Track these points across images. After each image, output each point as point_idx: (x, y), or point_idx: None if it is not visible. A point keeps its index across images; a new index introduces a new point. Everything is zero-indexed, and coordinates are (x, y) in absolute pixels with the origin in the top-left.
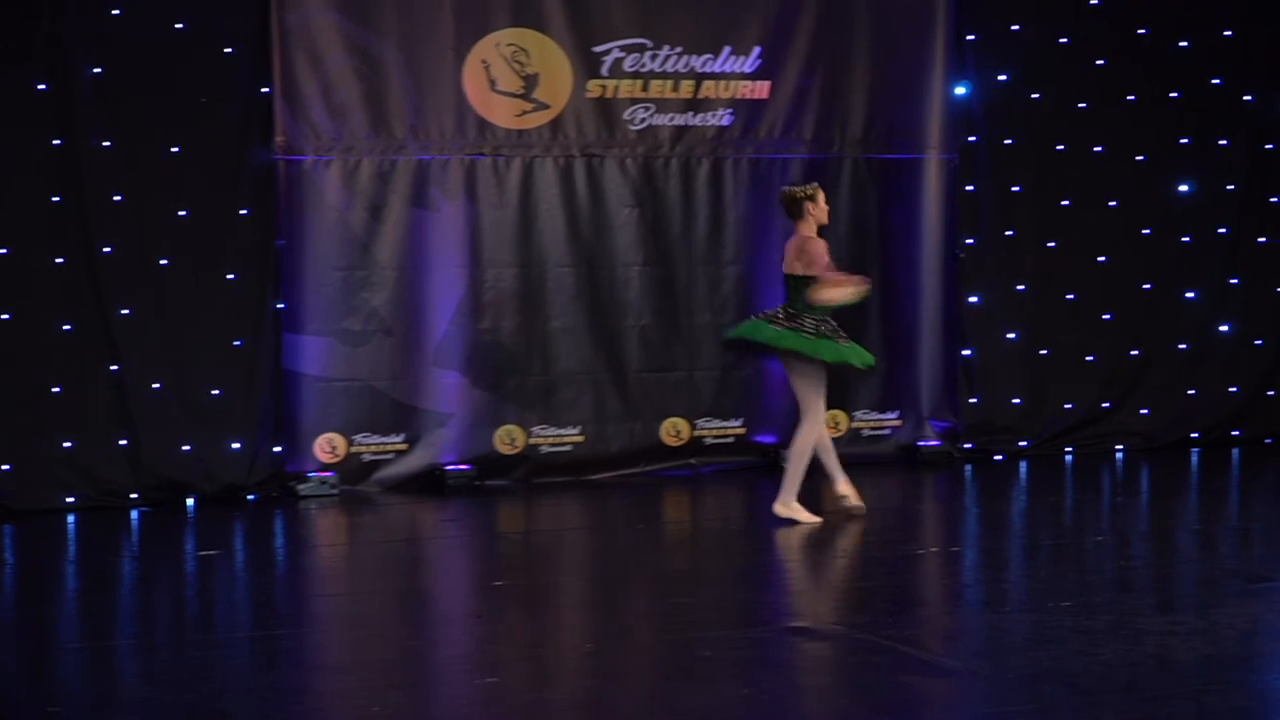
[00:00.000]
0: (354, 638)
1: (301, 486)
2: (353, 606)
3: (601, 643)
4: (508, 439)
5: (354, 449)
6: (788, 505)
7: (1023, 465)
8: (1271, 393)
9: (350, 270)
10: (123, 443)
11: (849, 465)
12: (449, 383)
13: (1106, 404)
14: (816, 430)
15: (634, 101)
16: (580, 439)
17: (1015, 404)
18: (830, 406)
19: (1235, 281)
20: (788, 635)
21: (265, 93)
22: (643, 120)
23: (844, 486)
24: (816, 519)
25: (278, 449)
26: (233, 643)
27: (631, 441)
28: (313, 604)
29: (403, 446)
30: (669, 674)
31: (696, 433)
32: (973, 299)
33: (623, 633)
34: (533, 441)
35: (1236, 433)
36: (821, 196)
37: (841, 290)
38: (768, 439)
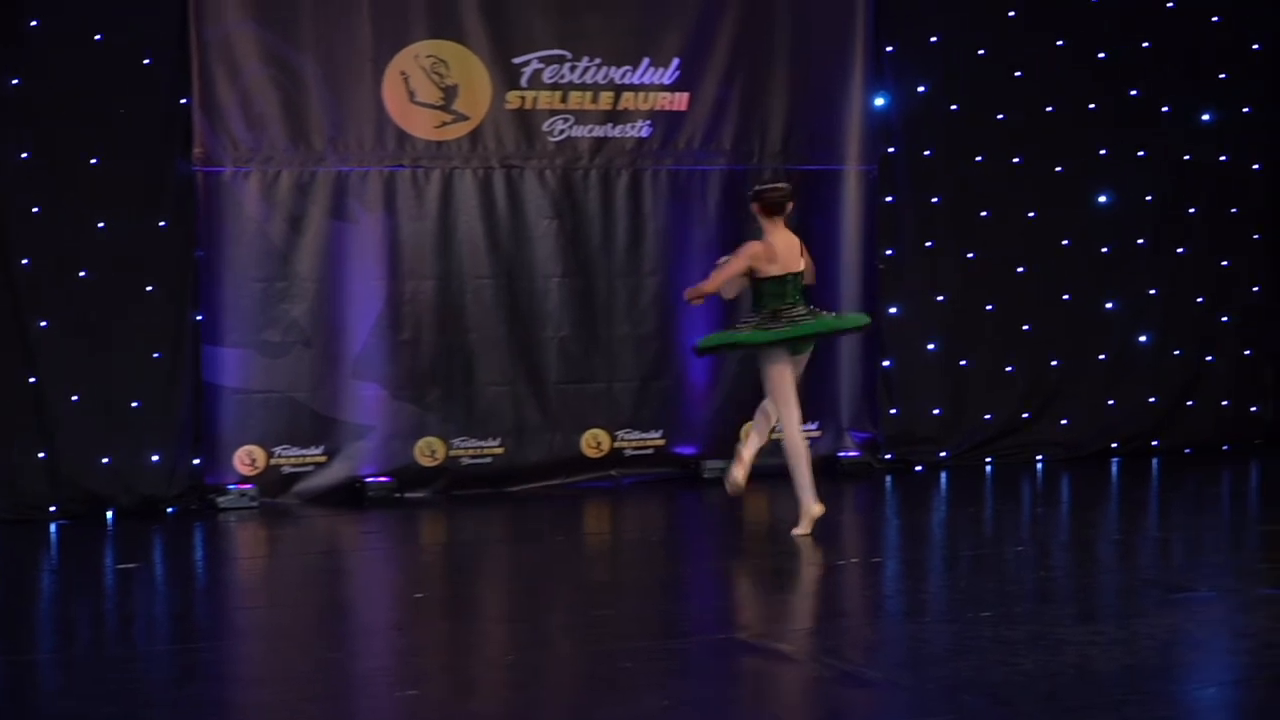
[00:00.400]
0: (274, 650)
1: (221, 499)
2: (273, 619)
3: (522, 654)
4: (428, 451)
5: (273, 461)
6: (810, 509)
7: (943, 476)
8: (1191, 403)
9: (269, 282)
10: (41, 455)
11: (770, 476)
12: (368, 395)
13: (1026, 414)
14: (794, 425)
15: (553, 113)
16: (500, 451)
17: (935, 414)
18: (751, 417)
19: (1154, 292)
20: (708, 646)
21: (184, 104)
22: (562, 131)
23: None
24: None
25: (197, 461)
26: (152, 656)
27: (551, 453)
28: (233, 617)
29: (322, 459)
30: (590, 685)
31: (616, 444)
32: (892, 310)
33: (543, 644)
34: (453, 453)
35: (1156, 443)
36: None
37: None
38: (687, 450)
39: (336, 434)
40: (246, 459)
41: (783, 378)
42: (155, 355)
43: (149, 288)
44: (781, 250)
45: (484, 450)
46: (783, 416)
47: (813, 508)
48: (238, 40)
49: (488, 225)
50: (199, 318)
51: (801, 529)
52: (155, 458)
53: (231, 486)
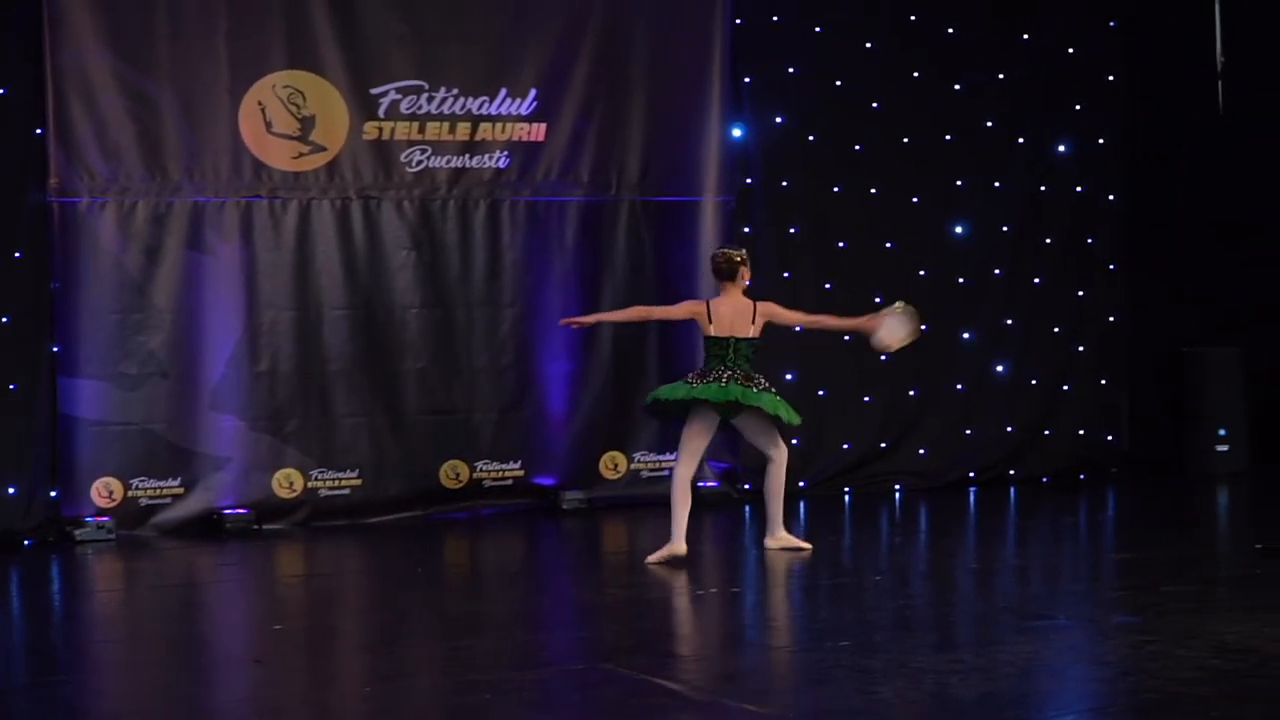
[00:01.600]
0: (132, 683)
1: (78, 531)
2: (131, 652)
3: (382, 685)
4: (286, 482)
5: (131, 493)
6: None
7: (802, 505)
8: (1047, 432)
9: (126, 313)
10: None
11: (631, 507)
12: (226, 426)
13: (884, 444)
14: (681, 472)
15: (411, 143)
16: (358, 482)
17: (794, 444)
18: (610, 448)
19: (1011, 322)
20: (567, 677)
21: (39, 134)
22: (419, 162)
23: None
24: (806, 545)
25: (54, 494)
26: (9, 691)
27: (410, 484)
28: (90, 650)
29: (180, 490)
30: (449, 716)
31: (475, 475)
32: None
33: (403, 676)
34: (311, 485)
35: (1013, 472)
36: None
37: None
38: (547, 481)
39: (194, 466)
40: (104, 491)
41: (689, 429)
42: (11, 387)
43: (4, 319)
44: (725, 314)
45: (342, 482)
46: (678, 460)
47: (678, 546)
48: (93, 70)
49: (345, 256)
50: (55, 349)
51: (656, 556)
52: (11, 490)
53: (89, 519)
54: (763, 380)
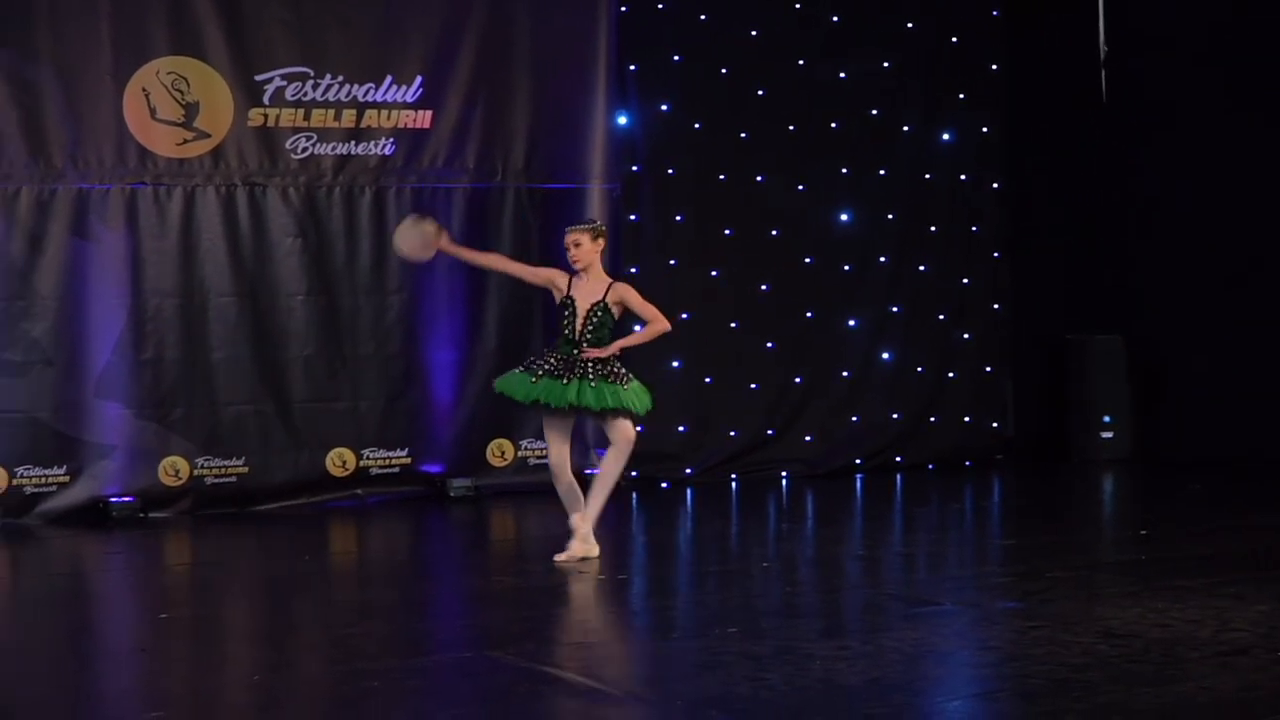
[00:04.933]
0: (16, 674)
1: None
2: (15, 640)
3: (268, 674)
4: (172, 470)
5: (16, 481)
6: (579, 536)
7: (689, 492)
8: (933, 419)
9: (10, 300)
10: None
11: (519, 494)
12: (111, 414)
13: (770, 431)
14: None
15: (296, 130)
16: (245, 470)
17: (680, 431)
18: (497, 435)
19: (896, 310)
20: (454, 665)
21: None
22: (305, 149)
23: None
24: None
25: None
26: None
27: (297, 472)
28: None
29: (65, 479)
30: (336, 705)
31: (362, 463)
32: (637, 327)
33: (289, 664)
34: (197, 473)
35: (899, 459)
36: (569, 238)
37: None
38: (434, 468)
39: (80, 453)
40: None
41: (546, 419)
42: None
43: None
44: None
45: (228, 470)
46: (548, 449)
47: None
48: None
49: (231, 243)
50: None
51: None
52: None
53: None
54: (617, 366)
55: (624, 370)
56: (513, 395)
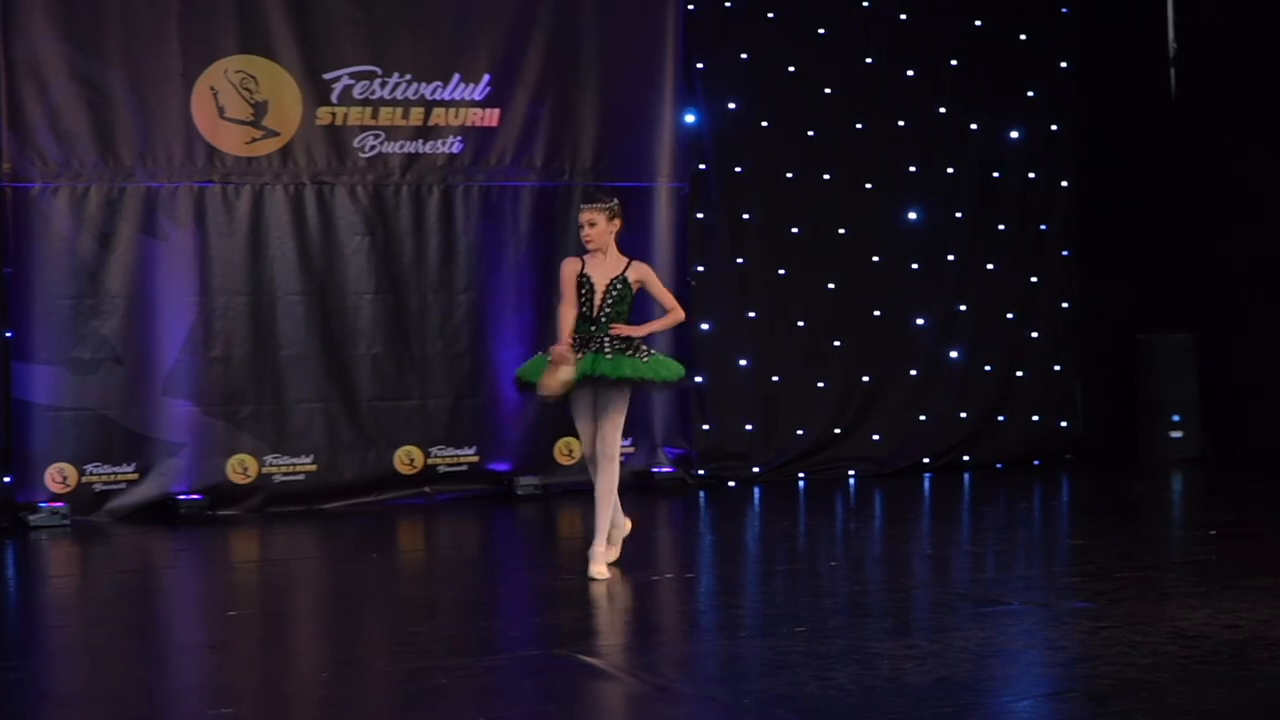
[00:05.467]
0: (87, 669)
1: (32, 517)
2: (85, 638)
3: (337, 672)
4: (240, 468)
5: (85, 479)
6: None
7: (756, 491)
8: (1001, 418)
9: (79, 299)
10: None
11: (586, 492)
12: (180, 411)
13: (838, 430)
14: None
15: (364, 129)
16: (313, 468)
17: (748, 430)
18: (565, 434)
19: (964, 308)
20: (523, 663)
21: None
22: (373, 148)
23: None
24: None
25: (8, 479)
26: None
27: (365, 470)
28: (45, 636)
29: (134, 476)
30: (405, 702)
31: (430, 461)
32: (704, 326)
33: (358, 661)
34: (265, 471)
35: (967, 458)
36: (583, 216)
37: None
38: (501, 467)
39: (148, 451)
40: (58, 477)
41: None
42: None
43: None
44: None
45: (297, 467)
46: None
47: (614, 532)
48: (45, 56)
49: (299, 241)
50: (9, 335)
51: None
52: None
53: (43, 505)
54: (636, 341)
55: (645, 346)
56: (530, 380)
